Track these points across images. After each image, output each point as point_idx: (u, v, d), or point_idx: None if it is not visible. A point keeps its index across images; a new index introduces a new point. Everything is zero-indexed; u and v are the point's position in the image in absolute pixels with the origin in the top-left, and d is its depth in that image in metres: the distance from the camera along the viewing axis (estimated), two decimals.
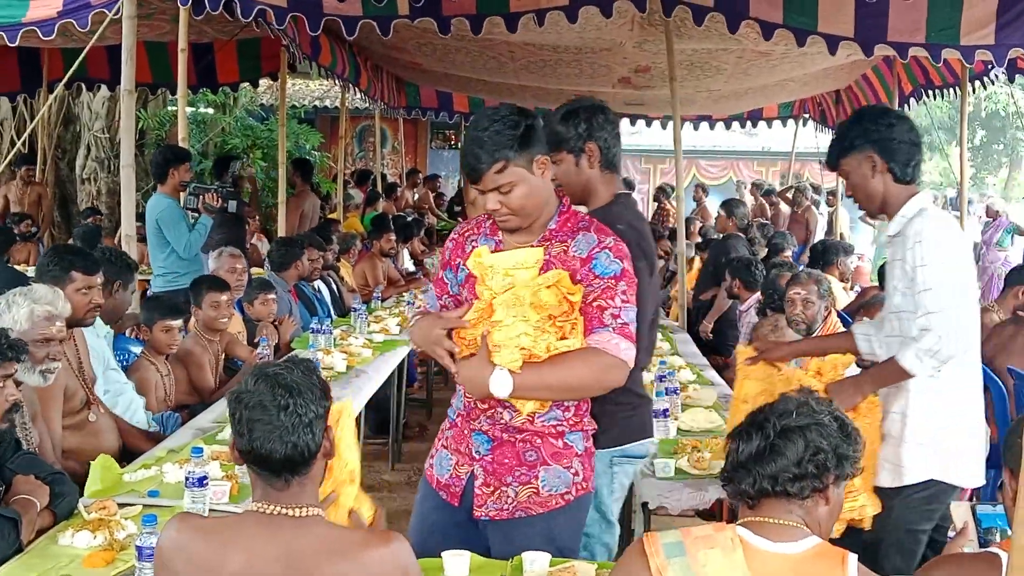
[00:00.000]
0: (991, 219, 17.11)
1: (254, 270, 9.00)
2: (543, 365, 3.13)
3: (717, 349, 8.65)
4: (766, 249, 10.71)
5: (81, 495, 3.79)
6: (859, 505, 3.74)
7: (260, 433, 2.51)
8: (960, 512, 3.21)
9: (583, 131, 3.77)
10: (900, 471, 3.77)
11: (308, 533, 2.52)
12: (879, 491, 3.76)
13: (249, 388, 2.56)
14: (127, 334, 5.97)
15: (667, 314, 9.76)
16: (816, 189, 18.65)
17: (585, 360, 3.13)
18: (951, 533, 3.42)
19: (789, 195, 17.13)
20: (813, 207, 16.59)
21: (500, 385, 3.10)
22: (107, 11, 7.15)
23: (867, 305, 7.33)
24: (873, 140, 3.82)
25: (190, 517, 2.65)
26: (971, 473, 3.79)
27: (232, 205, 7.88)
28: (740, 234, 10.31)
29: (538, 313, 3.13)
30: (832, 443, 2.53)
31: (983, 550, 2.63)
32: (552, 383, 3.15)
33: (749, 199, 19.25)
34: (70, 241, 11.22)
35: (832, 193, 17.67)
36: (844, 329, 5.94)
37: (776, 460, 2.50)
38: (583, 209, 3.61)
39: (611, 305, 3.14)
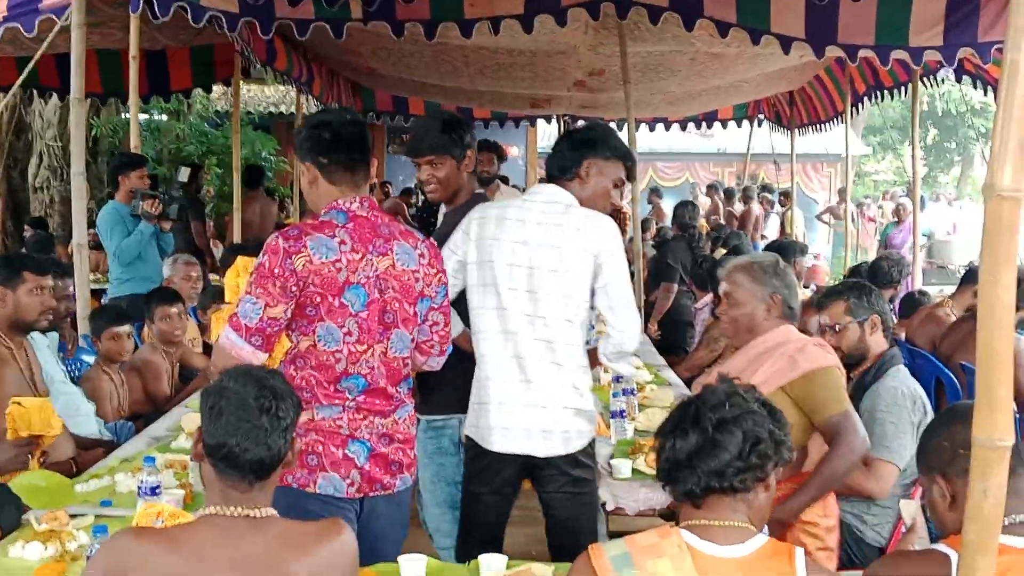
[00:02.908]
0: (896, 220, 16.79)
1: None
2: None
3: (674, 349, 8.70)
4: (723, 250, 10.76)
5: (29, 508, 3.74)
6: None
7: (240, 432, 2.51)
8: (910, 509, 3.24)
9: (468, 141, 4.45)
10: None
11: (266, 534, 2.53)
12: None
13: (232, 386, 2.56)
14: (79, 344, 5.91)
15: None
16: (768, 189, 18.83)
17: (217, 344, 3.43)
18: (902, 529, 3.46)
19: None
20: (756, 206, 16.87)
21: None
22: (56, 17, 7.08)
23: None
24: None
25: (143, 531, 2.61)
26: (495, 438, 3.99)
27: (172, 211, 7.81)
28: (681, 234, 10.35)
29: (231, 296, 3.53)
30: (767, 430, 2.51)
31: (931, 547, 2.64)
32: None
33: (705, 200, 19.45)
34: (22, 250, 11.09)
35: (785, 194, 17.85)
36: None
37: (719, 455, 2.44)
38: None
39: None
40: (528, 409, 3.95)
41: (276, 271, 3.28)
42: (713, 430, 2.46)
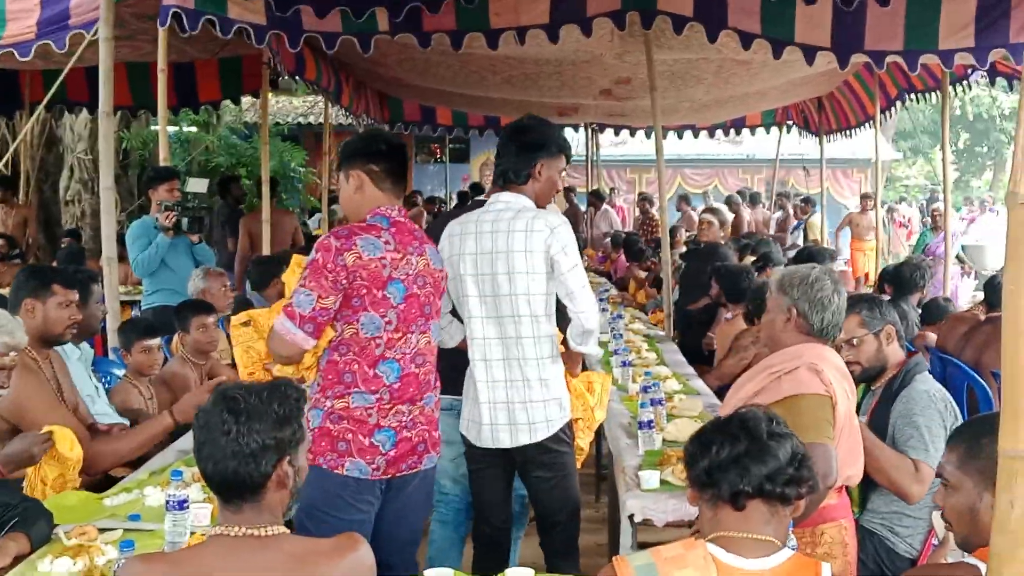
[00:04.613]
0: (934, 227, 15.93)
1: None
2: None
3: (711, 359, 8.61)
4: (751, 257, 10.68)
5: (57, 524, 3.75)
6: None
7: (205, 454, 2.52)
8: (942, 522, 3.19)
9: None
10: None
11: (276, 552, 2.51)
12: None
13: (207, 407, 2.56)
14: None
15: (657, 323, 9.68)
16: (786, 195, 18.83)
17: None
18: (934, 542, 3.41)
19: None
20: (745, 210, 16.96)
21: None
22: (85, 32, 7.13)
23: None
24: None
25: (151, 556, 2.62)
26: (472, 433, 4.44)
27: (184, 223, 7.78)
28: (721, 243, 10.21)
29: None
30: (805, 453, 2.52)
31: (960, 560, 2.62)
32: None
33: (740, 209, 19.37)
34: (53, 263, 11.14)
35: (806, 200, 17.79)
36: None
37: (769, 460, 2.48)
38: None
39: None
40: (497, 406, 4.32)
41: (328, 266, 3.71)
42: (767, 437, 2.53)
